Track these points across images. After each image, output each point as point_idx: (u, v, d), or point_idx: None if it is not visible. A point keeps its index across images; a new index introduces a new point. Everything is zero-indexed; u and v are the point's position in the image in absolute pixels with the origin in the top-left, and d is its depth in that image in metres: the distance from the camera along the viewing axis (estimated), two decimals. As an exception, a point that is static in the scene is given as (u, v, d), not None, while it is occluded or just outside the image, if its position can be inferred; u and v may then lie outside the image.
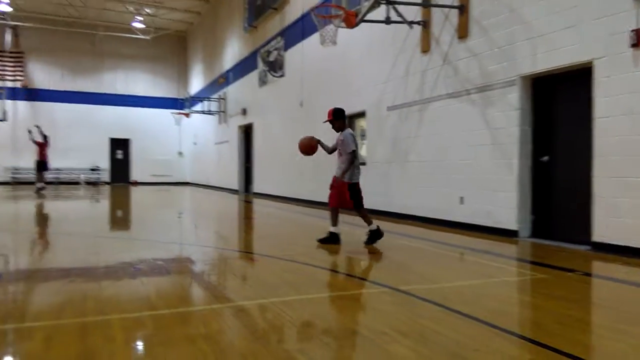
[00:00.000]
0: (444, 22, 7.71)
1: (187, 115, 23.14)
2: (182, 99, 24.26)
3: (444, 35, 7.72)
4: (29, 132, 16.37)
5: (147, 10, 22.25)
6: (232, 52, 18.90)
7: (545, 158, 6.38)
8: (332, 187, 6.19)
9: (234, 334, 2.90)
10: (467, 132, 7.33)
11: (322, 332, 2.87)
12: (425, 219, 8.10)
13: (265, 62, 15.28)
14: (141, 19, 23.02)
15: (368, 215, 6.13)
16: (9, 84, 23.40)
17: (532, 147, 6.52)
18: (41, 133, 16.13)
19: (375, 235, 6.03)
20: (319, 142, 6.24)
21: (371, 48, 9.64)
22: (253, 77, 16.33)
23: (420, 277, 4.47)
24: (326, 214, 10.00)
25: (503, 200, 6.68)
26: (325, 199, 11.20)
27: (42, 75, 24.31)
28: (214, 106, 20.70)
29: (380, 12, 7.83)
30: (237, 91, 18.27)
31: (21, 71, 23.87)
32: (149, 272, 4.69)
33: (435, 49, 7.93)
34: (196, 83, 24.66)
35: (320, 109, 11.72)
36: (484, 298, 3.68)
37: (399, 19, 7.77)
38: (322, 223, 9.03)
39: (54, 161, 18.26)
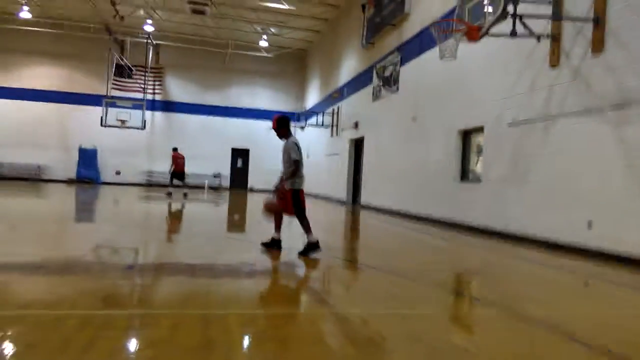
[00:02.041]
0: (575, 36, 7.19)
1: (302, 128, 24.02)
2: (298, 113, 25.27)
3: (576, 49, 7.19)
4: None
5: (272, 30, 23.62)
6: (348, 67, 19.32)
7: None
8: (279, 195, 6.03)
9: (338, 340, 2.96)
10: (597, 152, 6.72)
11: (430, 347, 2.80)
12: (546, 243, 7.52)
13: (380, 77, 15.40)
14: (266, 38, 24.49)
15: (309, 226, 5.90)
16: (149, 97, 26.19)
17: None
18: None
19: (311, 248, 5.78)
20: (275, 194, 6.13)
21: (492, 62, 9.28)
22: (367, 92, 16.53)
23: (538, 302, 4.16)
24: (435, 230, 9.79)
25: (636, 227, 6.00)
26: (434, 215, 10.91)
27: (177, 89, 26.93)
28: (327, 120, 21.28)
29: (505, 25, 7.52)
30: (351, 105, 18.61)
31: (160, 85, 26.64)
32: (264, 273, 4.94)
33: (565, 64, 7.41)
34: (312, 98, 25.57)
35: (434, 124, 11.56)
36: (610, 328, 3.33)
37: (525, 32, 7.40)
38: (426, 238, 8.83)
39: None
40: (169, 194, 17.07)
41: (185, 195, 16.92)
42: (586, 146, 6.95)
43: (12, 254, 5.13)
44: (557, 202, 7.43)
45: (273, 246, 6.06)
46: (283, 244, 6.05)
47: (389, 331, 3.13)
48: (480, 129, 9.73)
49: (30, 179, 24.49)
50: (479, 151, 9.96)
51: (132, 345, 2.70)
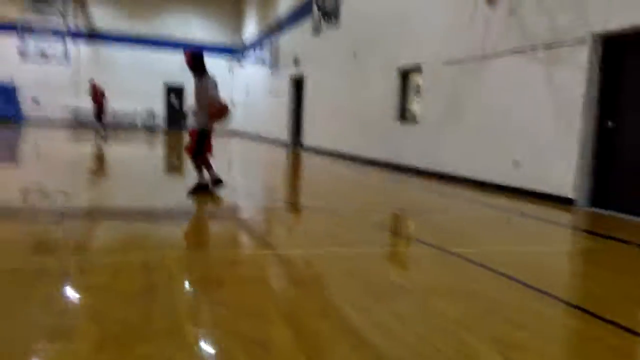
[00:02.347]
0: (513, -26, 7.25)
1: (242, 66, 23.16)
2: (236, 49, 24.21)
3: (513, -12, 7.27)
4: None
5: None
6: (288, -1, 18.58)
7: (611, 124, 6.06)
8: (190, 135, 5.99)
9: (279, 281, 3.05)
10: (528, 92, 7.02)
11: (367, 283, 2.95)
12: (478, 182, 7.95)
13: (320, 10, 14.95)
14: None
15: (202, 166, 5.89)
16: (71, 26, 24.03)
17: (597, 112, 6.19)
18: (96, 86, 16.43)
19: (200, 188, 5.79)
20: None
21: None
22: (307, 26, 16.06)
23: (468, 239, 4.45)
24: (374, 170, 10.06)
25: (561, 166, 6.44)
26: (373, 155, 11.16)
27: (103, 17, 24.80)
28: (267, 56, 20.62)
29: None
30: (291, 41, 18.08)
31: (82, 11, 24.43)
32: (202, 216, 4.91)
33: (502, 1, 7.50)
34: (250, 30, 24.55)
35: (375, 62, 11.52)
36: (531, 264, 3.65)
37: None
38: (366, 179, 9.08)
39: (112, 104, 18.82)
40: (103, 136, 15.92)
41: (103, 137, 15.48)
42: (518, 86, 7.22)
43: None
44: (488, 142, 7.78)
45: (200, 190, 5.85)
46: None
47: (328, 270, 3.25)
48: (419, 68, 9.82)
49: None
50: (418, 91, 10.10)
51: (71, 292, 2.64)
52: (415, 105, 10.28)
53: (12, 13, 22.58)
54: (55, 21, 23.13)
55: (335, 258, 3.50)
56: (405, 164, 10.00)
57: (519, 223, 5.40)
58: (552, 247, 4.38)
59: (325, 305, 2.58)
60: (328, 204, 5.78)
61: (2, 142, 13.82)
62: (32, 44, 21.86)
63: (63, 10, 23.51)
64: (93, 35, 24.68)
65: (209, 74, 5.86)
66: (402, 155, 10.17)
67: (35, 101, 23.33)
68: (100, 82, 16.99)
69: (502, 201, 6.65)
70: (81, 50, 24.42)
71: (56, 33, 22.29)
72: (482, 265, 3.39)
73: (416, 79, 10.21)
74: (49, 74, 23.28)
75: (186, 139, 6.09)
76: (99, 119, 15.92)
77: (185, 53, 5.91)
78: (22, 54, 21.47)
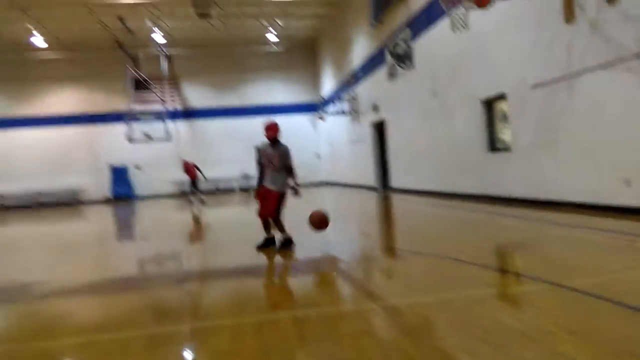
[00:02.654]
0: (590, -13, 6.98)
1: (322, 119, 24.08)
2: (316, 104, 25.35)
3: (590, 1, 6.99)
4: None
5: (279, 22, 23.59)
6: (360, 50, 19.18)
7: None
8: (265, 198, 6.27)
9: (388, 332, 3.04)
10: (627, 105, 6.55)
11: (483, 331, 2.85)
12: (583, 205, 7.41)
13: (393, 56, 15.24)
14: (274, 31, 24.49)
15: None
16: (169, 107, 26.61)
17: None
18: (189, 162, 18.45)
19: (288, 243, 6.21)
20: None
21: (506, 25, 9.08)
22: (382, 72, 16.40)
23: (584, 270, 4.15)
24: (469, 205, 9.73)
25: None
26: (467, 190, 10.87)
27: (195, 96, 27.28)
28: (346, 106, 21.22)
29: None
30: (368, 88, 18.49)
31: (178, 94, 27.05)
32: (306, 271, 5.06)
33: (581, 17, 7.21)
34: (328, 85, 25.51)
35: (455, 96, 11.42)
36: (665, 292, 3.31)
37: (536, -9, 7.23)
38: (461, 214, 8.80)
39: (211, 173, 20.58)
40: (202, 201, 17.52)
41: (203, 202, 17.40)
42: (614, 100, 6.78)
43: (63, 279, 5.38)
44: (592, 162, 7.29)
45: (269, 245, 6.32)
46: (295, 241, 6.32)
47: (437, 317, 3.19)
48: (502, 96, 9.58)
49: (67, 203, 25.33)
50: (505, 118, 9.81)
51: (200, 358, 2.84)
52: (505, 133, 9.96)
53: (120, 105, 25.52)
54: (156, 105, 25.77)
55: (442, 304, 3.44)
56: (502, 194, 9.61)
57: (635, 245, 4.94)
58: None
59: (442, 356, 2.54)
60: (426, 246, 5.70)
61: (119, 218, 15.30)
62: (138, 128, 24.39)
63: (161, 95, 26.16)
64: (188, 113, 27.08)
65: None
66: (498, 186, 9.80)
67: (138, 167, 25.58)
68: (195, 154, 18.57)
69: (615, 223, 6.13)
70: (179, 127, 26.81)
71: (157, 116, 24.76)
72: (605, 299, 3.15)
73: (501, 107, 9.94)
74: (154, 152, 25.70)
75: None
76: (195, 187, 17.77)
77: (271, 125, 6.39)
78: (130, 138, 23.99)
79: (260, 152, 6.51)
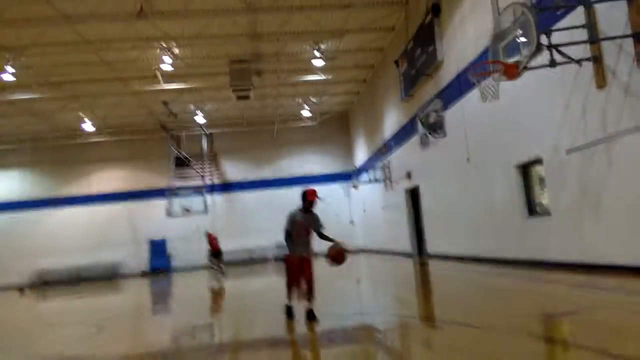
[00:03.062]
0: (617, 53, 7.09)
1: (356, 187, 24.30)
2: (349, 173, 25.78)
3: (621, 67, 7.07)
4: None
5: (313, 100, 24.61)
6: (391, 121, 19.64)
7: None
8: (300, 265, 6.37)
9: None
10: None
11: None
12: (631, 269, 7.05)
13: (424, 125, 15.51)
14: (308, 108, 25.50)
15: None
16: (208, 182, 27.50)
17: None
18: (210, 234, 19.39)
19: (313, 314, 6.08)
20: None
21: (538, 92, 9.20)
22: (414, 141, 16.63)
23: (634, 339, 3.90)
24: (509, 271, 9.40)
25: None
26: (505, 255, 10.56)
27: (232, 170, 28.21)
28: (379, 174, 21.44)
29: (543, 56, 7.55)
30: (400, 157, 18.71)
31: (216, 169, 28.04)
32: (341, 342, 4.93)
33: (613, 82, 7.27)
34: (361, 155, 25.95)
35: (489, 162, 11.40)
36: None
37: (565, 59, 7.39)
38: (501, 281, 8.47)
39: (247, 242, 20.86)
40: (222, 272, 17.75)
41: (223, 273, 17.55)
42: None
43: (101, 353, 5.40)
44: (636, 224, 7.03)
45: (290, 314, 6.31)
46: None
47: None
48: (539, 161, 9.52)
49: (107, 277, 25.80)
50: (542, 183, 9.68)
51: None
52: (544, 197, 9.78)
53: (161, 182, 26.58)
54: (195, 181, 26.72)
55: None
56: (545, 259, 9.27)
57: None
58: None
59: None
60: (467, 316, 5.48)
61: (155, 291, 15.41)
62: (177, 202, 25.14)
63: (201, 171, 27.18)
64: (226, 186, 27.88)
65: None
66: (539, 251, 9.48)
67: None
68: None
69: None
70: (216, 200, 27.50)
71: (196, 190, 25.59)
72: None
73: (538, 171, 9.85)
74: (191, 225, 26.23)
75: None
76: (217, 259, 18.28)
77: (312, 191, 6.58)
78: (169, 212, 24.69)
79: (294, 219, 6.53)
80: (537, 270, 9.02)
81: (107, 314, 10.34)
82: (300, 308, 6.27)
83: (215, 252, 18.38)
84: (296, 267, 6.39)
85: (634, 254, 7.12)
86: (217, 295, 12.27)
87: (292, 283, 6.38)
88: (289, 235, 6.48)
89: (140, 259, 26.31)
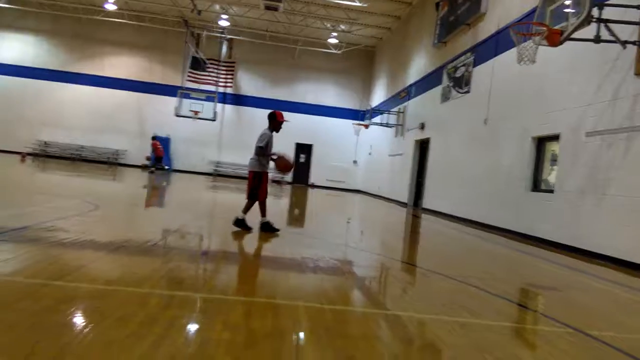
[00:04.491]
0: (669, 42, 6.75)
1: (366, 126, 24.10)
2: (363, 111, 25.43)
3: (668, 56, 6.75)
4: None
5: (342, 27, 23.76)
6: (418, 66, 19.08)
7: None
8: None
9: (398, 342, 3.02)
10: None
11: (494, 359, 2.80)
12: (620, 262, 7.13)
13: (450, 78, 15.12)
14: (336, 35, 24.66)
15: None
16: (221, 90, 27.14)
17: None
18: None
19: (266, 227, 6.74)
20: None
21: (573, 67, 8.87)
22: (436, 92, 16.26)
23: (608, 323, 4.01)
24: (502, 240, 9.53)
25: None
26: (501, 224, 10.64)
27: (247, 83, 27.73)
28: (392, 119, 21.16)
29: (588, 30, 7.19)
30: (418, 106, 18.38)
31: (231, 79, 27.54)
32: (326, 270, 5.07)
33: (654, 71, 6.97)
34: (378, 96, 25.48)
35: (506, 129, 11.21)
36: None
37: (611, 37, 7.04)
38: (491, 246, 8.61)
39: (247, 160, 21.13)
40: (151, 172, 21.04)
41: (152, 172, 21.23)
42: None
43: (96, 234, 5.57)
44: (636, 220, 7.02)
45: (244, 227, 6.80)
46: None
47: (451, 338, 3.14)
48: (555, 137, 9.35)
49: (108, 162, 26.15)
50: (554, 160, 9.57)
51: (211, 326, 2.89)
52: (551, 175, 9.71)
53: (174, 79, 26.23)
54: (208, 86, 26.35)
55: (459, 326, 3.38)
56: (538, 235, 9.36)
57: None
58: None
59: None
60: (448, 269, 5.61)
61: (154, 186, 15.70)
62: (187, 103, 24.97)
63: (216, 76, 26.72)
64: (238, 98, 27.52)
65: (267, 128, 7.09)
66: (535, 227, 9.56)
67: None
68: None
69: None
70: (226, 110, 27.29)
71: (208, 95, 25.31)
72: (624, 352, 3.03)
73: (552, 148, 9.70)
74: (197, 129, 26.22)
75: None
76: (159, 162, 22.40)
77: (282, 114, 7.04)
78: (177, 112, 24.60)
79: (270, 138, 6.96)
80: (528, 245, 9.13)
81: (108, 198, 10.56)
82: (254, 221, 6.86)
83: (159, 158, 22.10)
84: (268, 183, 6.96)
85: (624, 248, 7.16)
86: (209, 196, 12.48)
87: (266, 197, 6.90)
88: (263, 152, 6.83)
89: (143, 151, 26.52)
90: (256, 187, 6.85)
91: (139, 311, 2.95)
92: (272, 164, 7.05)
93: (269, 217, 6.93)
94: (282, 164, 7.01)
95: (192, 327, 2.82)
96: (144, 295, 3.32)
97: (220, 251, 5.77)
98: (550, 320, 3.96)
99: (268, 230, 6.77)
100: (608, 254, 7.44)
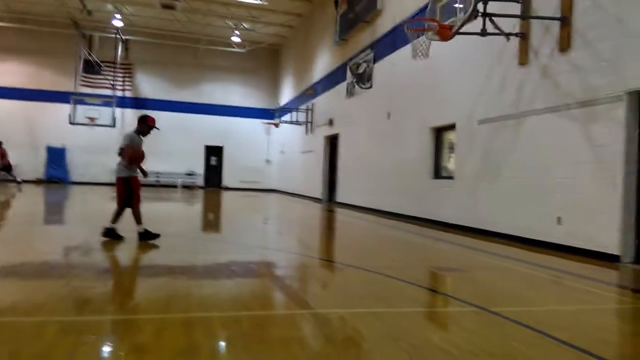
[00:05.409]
0: (544, 34, 7.41)
1: (276, 125, 24.05)
2: (272, 110, 25.34)
3: (544, 48, 7.41)
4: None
5: (245, 25, 23.45)
6: (322, 64, 19.36)
7: (656, 179, 5.90)
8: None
9: (316, 340, 3.02)
10: (566, 149, 6.96)
11: (409, 346, 2.89)
12: (517, 238, 7.76)
13: (353, 74, 15.50)
14: (239, 33, 24.28)
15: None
16: (119, 93, 25.65)
17: (638, 166, 6.06)
18: None
19: (146, 236, 6.42)
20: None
21: (464, 60, 9.47)
22: (341, 88, 16.62)
23: (510, 298, 4.32)
24: (409, 227, 9.97)
25: (605, 222, 6.25)
26: (408, 212, 11.12)
27: (148, 86, 26.43)
28: (301, 117, 21.31)
29: (475, 24, 7.69)
30: (325, 102, 18.67)
31: (130, 82, 26.12)
32: (242, 274, 4.97)
33: (534, 62, 7.63)
34: (286, 94, 25.53)
35: (408, 121, 11.72)
36: (581, 325, 3.49)
37: (495, 31, 7.58)
38: (401, 235, 8.99)
39: (155, 165, 20.18)
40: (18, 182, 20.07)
41: (19, 183, 19.96)
42: (555, 143, 7.18)
43: (-17, 260, 5.01)
44: (528, 198, 7.66)
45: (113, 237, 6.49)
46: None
47: (368, 330, 3.21)
48: (452, 126, 9.93)
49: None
50: (452, 148, 10.15)
51: (116, 351, 2.69)
52: (451, 162, 10.31)
53: (67, 85, 24.35)
54: (105, 90, 24.79)
55: (373, 317, 3.46)
56: (442, 220, 9.90)
57: (563, 281, 5.21)
58: (596, 305, 4.19)
59: (366, 366, 2.53)
60: (363, 261, 5.75)
61: (50, 201, 14.48)
62: (82, 110, 23.33)
63: (112, 80, 25.21)
64: (139, 102, 26.13)
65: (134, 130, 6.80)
66: (439, 212, 10.09)
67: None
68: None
69: (545, 258, 6.45)
70: (126, 114, 25.78)
71: (105, 100, 23.81)
72: (526, 326, 3.28)
73: (450, 137, 10.29)
74: (95, 137, 24.55)
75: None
76: (8, 172, 20.34)
77: (154, 119, 6.79)
78: (72, 120, 22.90)
79: (138, 141, 6.66)
80: (435, 230, 9.60)
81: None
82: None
83: (6, 167, 20.12)
84: (140, 187, 6.65)
85: (517, 225, 7.79)
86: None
87: (138, 203, 6.59)
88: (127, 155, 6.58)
89: (36, 165, 24.36)
90: (127, 193, 6.50)
91: (34, 343, 2.67)
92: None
93: (148, 224, 6.58)
94: (130, 154, 6.48)
95: (95, 355, 2.61)
96: (39, 323, 3.03)
97: (126, 266, 5.44)
98: (457, 301, 4.19)
99: (148, 238, 6.42)
100: (505, 232, 8.05)
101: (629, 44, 5.97)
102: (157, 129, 6.82)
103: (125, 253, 6.11)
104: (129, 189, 6.51)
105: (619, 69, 6.12)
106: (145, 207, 6.84)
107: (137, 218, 6.49)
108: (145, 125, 6.68)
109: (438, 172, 10.68)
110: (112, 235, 6.41)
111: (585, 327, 3.47)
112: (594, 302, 4.33)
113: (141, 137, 6.69)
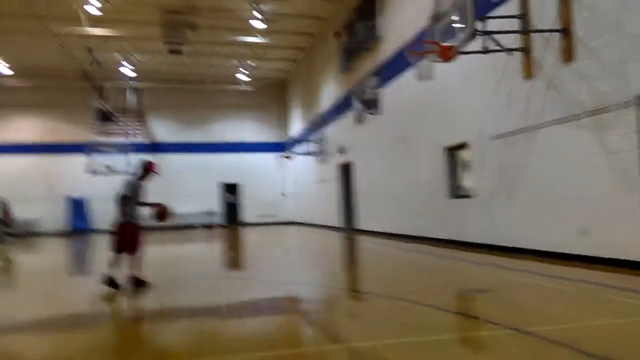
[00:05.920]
0: (545, 47, 7.45)
1: (289, 158, 24.26)
2: (283, 143, 25.59)
3: (547, 60, 7.44)
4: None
5: (250, 63, 23.95)
6: (329, 94, 19.61)
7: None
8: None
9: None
10: (581, 158, 6.89)
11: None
12: (539, 252, 7.62)
13: (360, 101, 15.65)
14: (245, 71, 24.79)
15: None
16: (133, 139, 26.16)
17: (659, 170, 5.97)
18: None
19: (138, 283, 6.39)
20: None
21: (469, 78, 9.52)
22: (350, 116, 16.76)
23: (543, 316, 4.23)
24: (431, 249, 9.86)
25: (627, 228, 6.13)
26: (428, 234, 11.01)
27: (161, 130, 26.98)
28: (313, 147, 21.48)
29: (477, 42, 7.77)
30: (335, 131, 18.80)
31: (143, 127, 26.69)
32: (268, 311, 4.95)
33: (538, 74, 7.65)
34: (296, 126, 25.81)
35: (419, 142, 11.74)
36: (622, 340, 3.39)
37: (497, 47, 7.65)
38: (424, 258, 8.88)
39: (173, 207, 20.35)
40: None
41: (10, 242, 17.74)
42: (568, 153, 7.13)
43: (15, 314, 5.08)
44: (546, 211, 7.56)
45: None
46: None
47: (401, 360, 3.17)
48: (464, 145, 9.93)
49: (20, 234, 24.13)
50: (466, 166, 10.12)
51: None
52: (467, 181, 10.26)
53: (82, 136, 24.97)
54: (120, 138, 25.34)
55: (405, 347, 3.42)
56: (463, 239, 9.79)
57: (595, 293, 5.09)
58: (636, 317, 4.08)
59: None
60: (389, 289, 5.69)
61: (74, 252, 14.66)
62: (99, 160, 23.79)
63: (126, 128, 25.79)
64: (154, 147, 26.62)
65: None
66: (458, 231, 10.00)
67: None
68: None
69: (571, 271, 6.32)
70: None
71: (120, 148, 24.29)
72: (563, 344, 3.20)
73: (463, 155, 10.28)
74: (114, 185, 24.93)
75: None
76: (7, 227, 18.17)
77: (151, 163, 7.10)
78: (90, 170, 23.35)
79: (139, 186, 6.87)
80: (456, 250, 9.50)
81: (20, 273, 9.70)
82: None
83: (7, 221, 18.16)
84: (141, 234, 6.69)
85: (539, 239, 7.67)
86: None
87: (140, 249, 6.59)
88: (133, 201, 6.73)
89: (58, 217, 24.80)
90: (130, 239, 6.55)
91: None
92: (144, 211, 6.86)
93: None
94: (161, 212, 6.94)
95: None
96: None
97: (151, 311, 5.46)
98: (489, 323, 4.11)
99: (140, 285, 6.40)
100: (527, 247, 7.92)
101: (633, 48, 5.97)
102: (157, 174, 6.97)
103: (149, 297, 6.14)
104: (130, 236, 6.57)
105: (626, 74, 6.11)
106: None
107: (137, 265, 6.52)
108: (145, 171, 6.92)
109: (454, 191, 10.63)
110: (112, 284, 6.33)
111: (627, 342, 3.36)
112: (632, 315, 4.20)
113: (141, 182, 6.86)
